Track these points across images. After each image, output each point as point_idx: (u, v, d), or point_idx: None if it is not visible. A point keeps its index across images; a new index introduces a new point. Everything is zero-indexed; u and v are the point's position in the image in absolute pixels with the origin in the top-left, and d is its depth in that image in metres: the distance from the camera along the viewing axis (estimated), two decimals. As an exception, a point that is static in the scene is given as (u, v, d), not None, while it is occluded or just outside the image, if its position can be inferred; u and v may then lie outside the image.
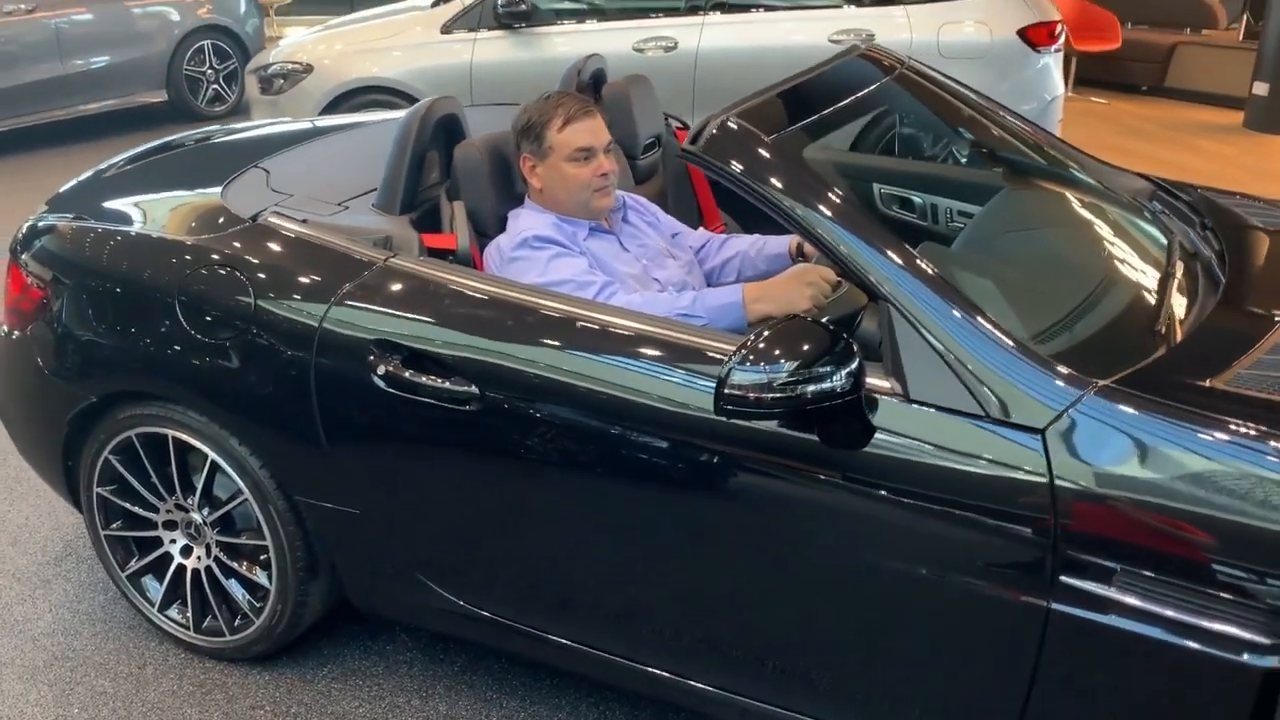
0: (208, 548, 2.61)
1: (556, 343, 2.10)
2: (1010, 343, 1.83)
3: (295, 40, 6.39)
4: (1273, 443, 1.69)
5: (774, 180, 1.97)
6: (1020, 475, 1.76)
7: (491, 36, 5.76)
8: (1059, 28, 5.59)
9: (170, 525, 2.65)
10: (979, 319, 1.85)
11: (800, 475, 1.92)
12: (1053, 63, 5.59)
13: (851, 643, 1.99)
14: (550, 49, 5.69)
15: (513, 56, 5.73)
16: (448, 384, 2.14)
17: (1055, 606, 1.75)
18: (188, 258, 2.42)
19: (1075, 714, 1.82)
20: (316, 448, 2.30)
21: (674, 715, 2.48)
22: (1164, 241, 2.43)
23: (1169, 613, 1.68)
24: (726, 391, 1.76)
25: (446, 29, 5.82)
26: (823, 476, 1.89)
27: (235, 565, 2.59)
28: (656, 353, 2.03)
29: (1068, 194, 2.69)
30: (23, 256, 2.72)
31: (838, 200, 1.98)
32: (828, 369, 1.75)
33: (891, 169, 3.30)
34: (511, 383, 2.10)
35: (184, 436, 2.48)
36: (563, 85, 3.04)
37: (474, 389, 2.12)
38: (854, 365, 1.77)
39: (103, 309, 2.52)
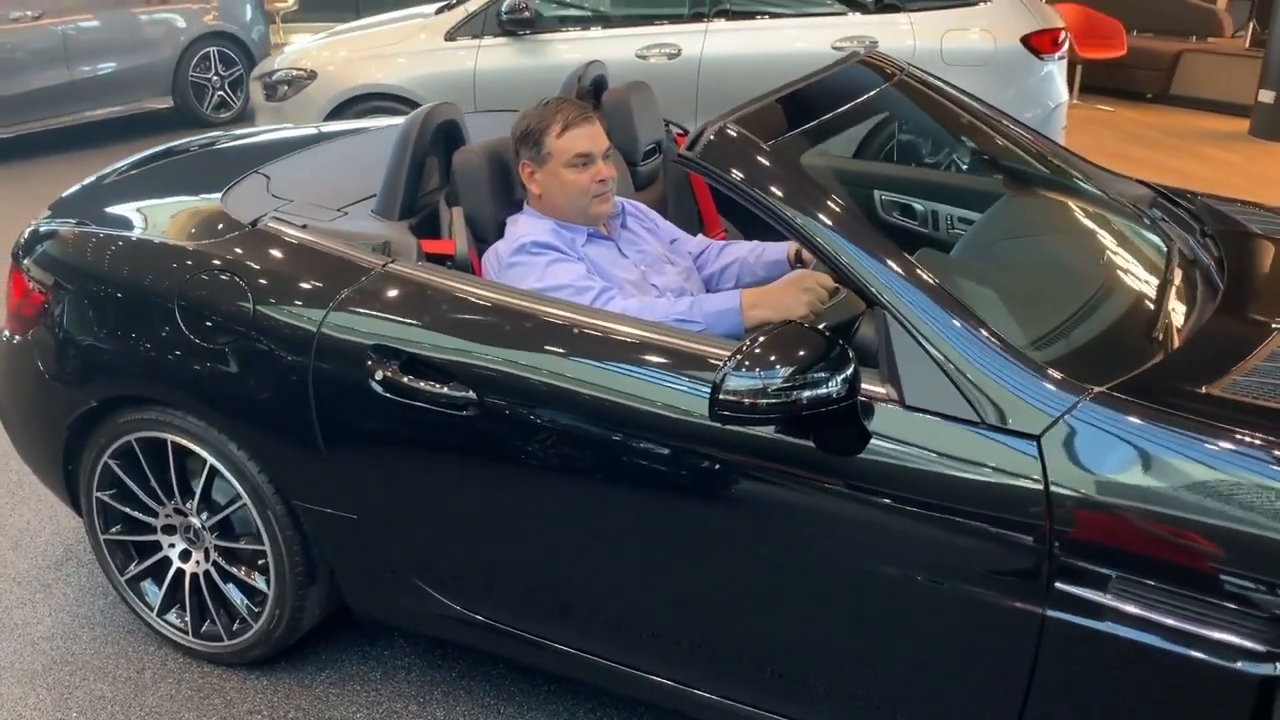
0: (206, 552, 2.62)
1: (554, 348, 2.10)
2: (1006, 349, 1.83)
3: (300, 47, 6.41)
4: (1269, 450, 1.69)
5: (769, 186, 1.97)
6: (1016, 482, 1.75)
7: (495, 43, 5.78)
8: (1062, 35, 5.60)
9: (169, 530, 2.66)
10: (975, 325, 1.85)
11: (796, 481, 1.92)
12: (1056, 70, 5.59)
13: (848, 649, 1.99)
14: (554, 56, 5.71)
15: (516, 63, 5.74)
16: (445, 389, 2.14)
17: (1050, 613, 1.75)
18: (188, 263, 2.43)
19: (1071, 721, 1.82)
20: (314, 453, 2.30)
21: (671, 722, 2.48)
22: (1163, 248, 2.43)
23: (1165, 620, 1.68)
24: (721, 397, 1.77)
25: (450, 36, 5.84)
26: (819, 483, 1.89)
27: (234, 570, 2.59)
28: (654, 358, 2.03)
29: (1067, 201, 2.69)
30: (24, 261, 2.73)
31: (833, 206, 1.98)
32: (823, 375, 1.75)
33: (892, 175, 3.30)
34: (509, 388, 2.10)
35: (183, 441, 2.48)
36: (563, 91, 3.04)
37: (471, 394, 2.12)
38: (849, 371, 1.77)
39: (103, 314, 2.53)
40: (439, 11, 6.13)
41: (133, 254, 2.55)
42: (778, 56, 5.52)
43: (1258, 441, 1.71)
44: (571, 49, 5.72)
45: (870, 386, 1.86)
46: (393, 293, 2.25)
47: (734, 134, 2.03)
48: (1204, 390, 1.87)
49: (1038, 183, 2.77)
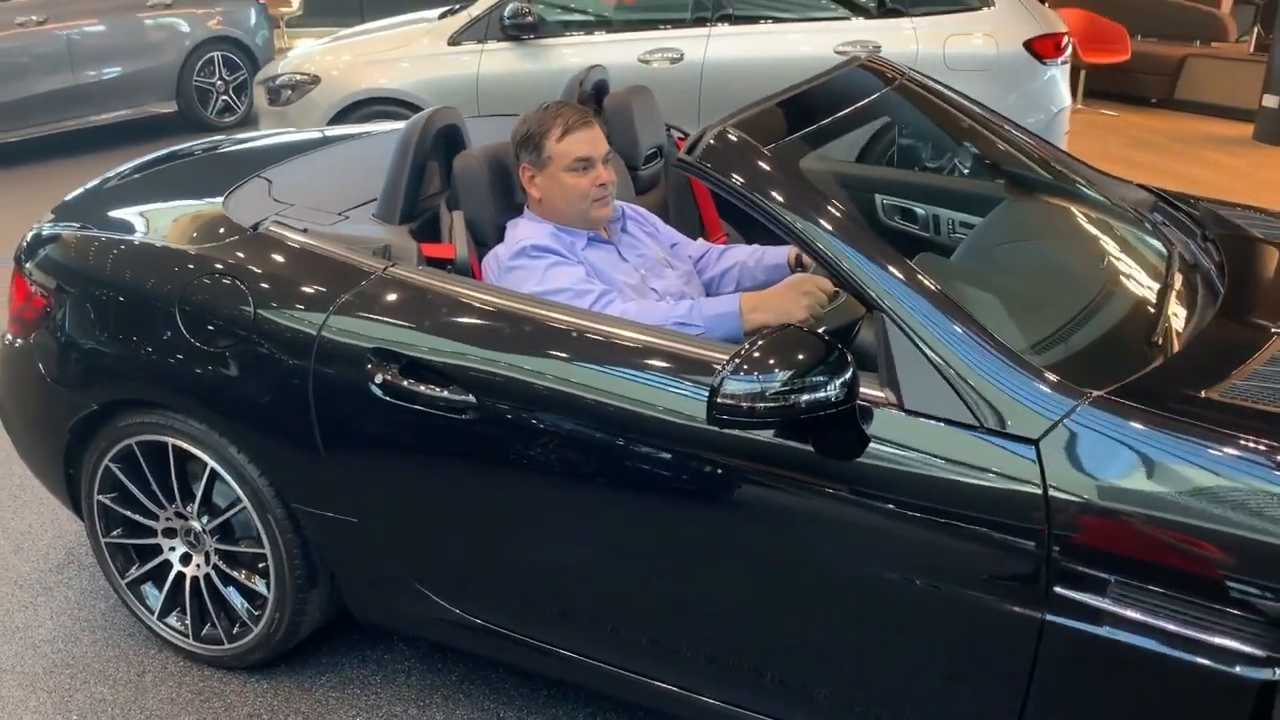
0: (207, 555, 2.62)
1: (553, 352, 2.10)
2: (1005, 354, 1.83)
3: (303, 51, 6.42)
4: (1268, 455, 1.69)
5: (768, 190, 1.97)
6: (1015, 486, 1.75)
7: (498, 48, 5.79)
8: (1065, 40, 5.59)
9: (170, 533, 2.66)
10: (974, 330, 1.85)
11: (795, 485, 1.91)
12: (1059, 75, 5.58)
13: (848, 653, 1.99)
14: (557, 60, 5.72)
15: (519, 68, 5.75)
16: (445, 393, 2.14)
17: (1049, 618, 1.74)
18: (189, 267, 2.44)
19: (1070, 725, 1.82)
20: (315, 456, 2.31)
21: (671, 726, 2.48)
22: (1164, 253, 2.43)
23: (1164, 625, 1.67)
24: (719, 400, 1.77)
25: (454, 40, 5.85)
26: (818, 487, 1.89)
27: (234, 573, 2.60)
28: (653, 362, 2.03)
29: (1068, 205, 2.69)
30: (27, 265, 2.74)
31: (832, 210, 1.98)
32: (822, 378, 1.75)
33: (893, 180, 3.30)
34: (508, 391, 2.11)
35: (184, 444, 2.49)
36: (565, 96, 3.05)
37: (471, 398, 2.12)
38: (848, 375, 1.77)
39: (105, 317, 2.53)
40: (442, 16, 6.15)
41: (134, 258, 2.56)
42: (780, 61, 5.52)
43: (1256, 446, 1.70)
44: (574, 54, 5.73)
45: (869, 390, 1.86)
46: (393, 296, 2.25)
47: (733, 138, 2.03)
48: (1203, 395, 1.86)
49: (1038, 187, 2.77)
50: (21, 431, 2.86)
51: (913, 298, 1.87)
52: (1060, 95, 5.62)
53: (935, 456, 1.81)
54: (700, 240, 2.92)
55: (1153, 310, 2.19)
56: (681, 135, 3.39)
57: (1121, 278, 2.33)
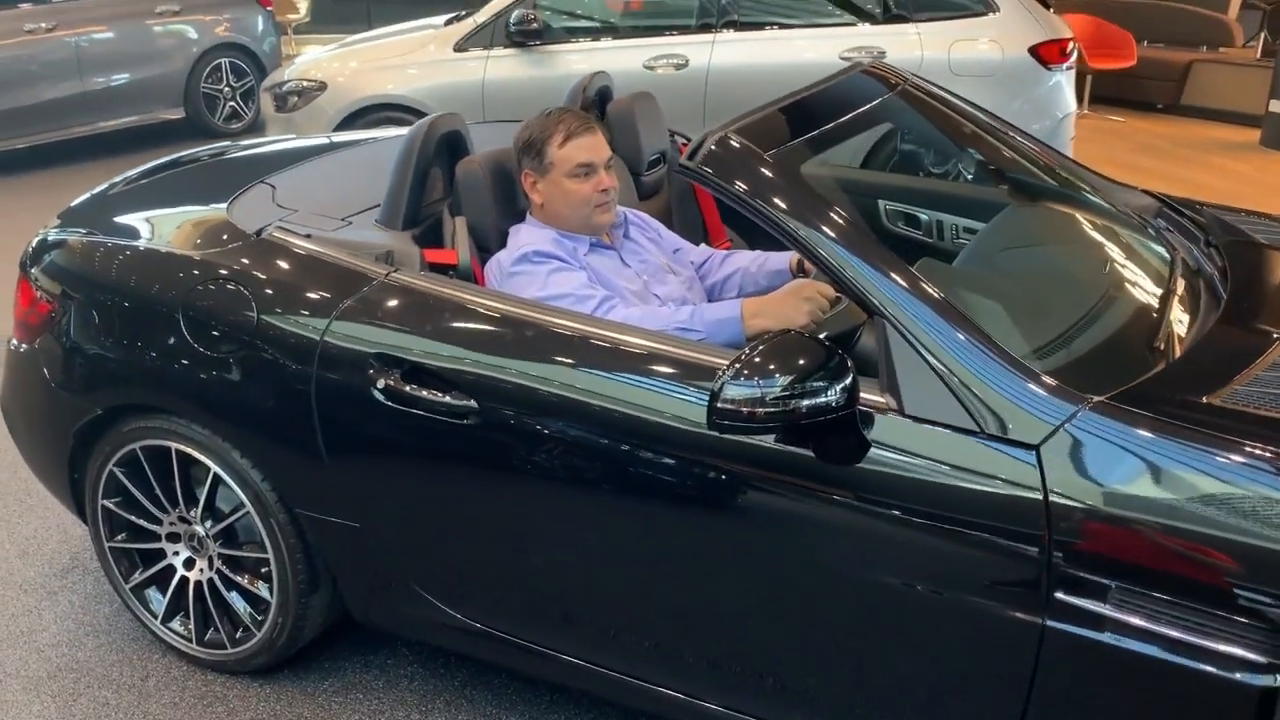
0: (210, 560, 2.62)
1: (555, 357, 2.10)
2: (1006, 359, 1.83)
3: (310, 58, 6.44)
4: (1269, 460, 1.68)
5: (769, 195, 1.97)
6: (1015, 491, 1.75)
7: (504, 54, 5.80)
8: (1070, 45, 5.59)
9: (173, 538, 2.67)
10: (976, 336, 1.85)
11: (796, 490, 1.91)
12: (1064, 80, 5.58)
13: (850, 658, 1.98)
14: (562, 67, 5.72)
15: (525, 74, 5.76)
16: (447, 398, 2.15)
17: (1050, 623, 1.74)
18: (194, 272, 2.45)
19: (1072, 731, 1.81)
20: (317, 461, 2.31)
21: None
22: (1166, 258, 2.42)
23: (1165, 630, 1.67)
24: (719, 406, 1.77)
25: (460, 47, 5.86)
26: (819, 492, 1.89)
27: (237, 578, 2.60)
28: (655, 368, 2.03)
29: (1071, 211, 2.69)
30: (32, 270, 2.75)
31: (833, 215, 1.98)
32: (822, 384, 1.75)
33: (896, 185, 3.30)
34: (510, 397, 2.11)
35: (187, 449, 2.50)
36: (568, 102, 3.05)
37: (473, 403, 2.12)
38: (848, 380, 1.77)
39: (109, 323, 2.54)
40: (448, 23, 6.16)
41: (139, 263, 2.57)
42: (785, 67, 5.52)
43: (1258, 451, 1.70)
44: (580, 60, 5.73)
45: (870, 395, 1.86)
46: (395, 302, 2.26)
47: (735, 143, 2.03)
48: (1205, 400, 1.86)
49: (1042, 192, 2.76)
50: (26, 436, 2.87)
51: (914, 304, 1.87)
52: (1065, 101, 5.61)
53: (936, 462, 1.81)
54: (703, 246, 2.93)
55: (1155, 316, 2.19)
56: (685, 141, 3.40)
57: (1124, 283, 2.33)
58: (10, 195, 7.27)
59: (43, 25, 7.64)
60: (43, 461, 2.84)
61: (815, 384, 1.75)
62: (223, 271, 2.41)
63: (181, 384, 2.42)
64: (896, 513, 1.83)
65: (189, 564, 2.68)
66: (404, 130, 2.83)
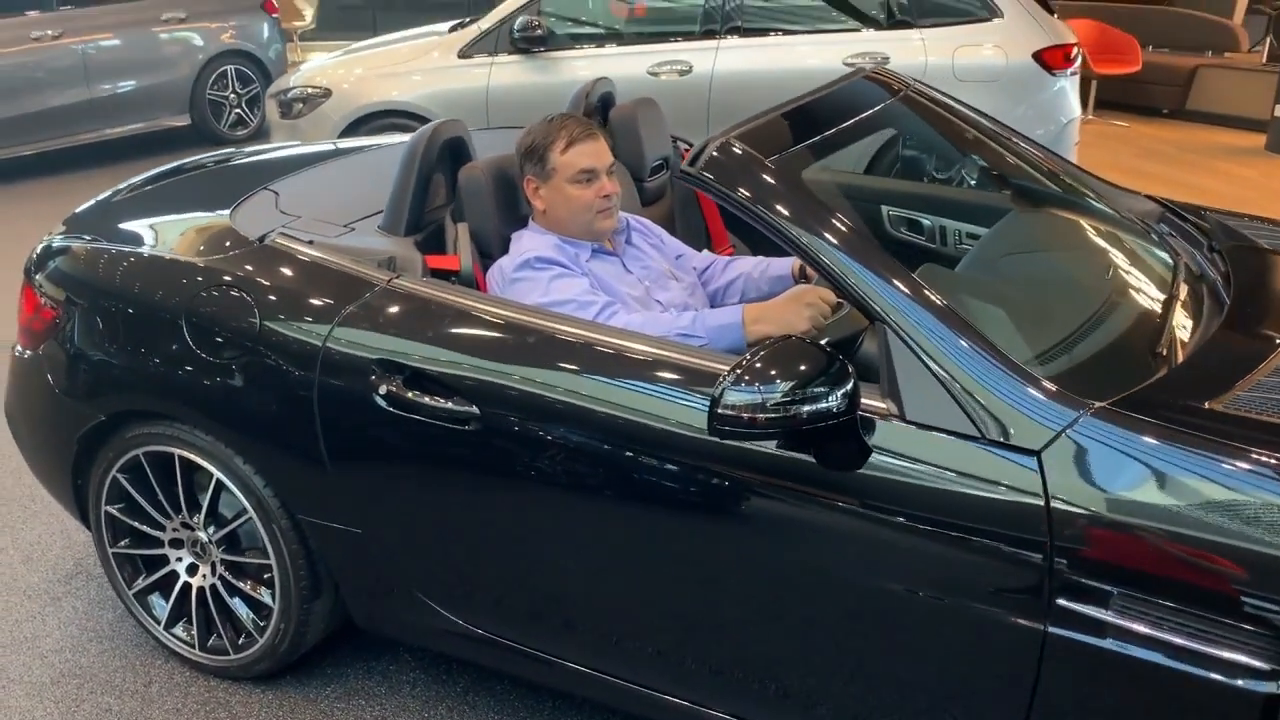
0: (213, 566, 2.63)
1: (557, 363, 2.10)
2: (1008, 365, 1.82)
3: (315, 64, 6.46)
4: (1273, 466, 1.68)
5: (771, 201, 1.97)
6: (1017, 497, 1.75)
7: (508, 61, 5.81)
8: (1075, 50, 5.59)
9: (176, 543, 2.67)
10: (978, 342, 1.84)
11: (799, 496, 1.91)
12: (1069, 85, 5.58)
13: (851, 664, 1.98)
14: (567, 73, 5.73)
15: (529, 81, 5.77)
16: (449, 404, 2.15)
17: (1052, 630, 1.74)
18: (197, 279, 2.45)
19: (1074, 739, 1.81)
20: (319, 467, 2.32)
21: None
22: (1169, 263, 2.42)
23: (1167, 637, 1.67)
24: (720, 411, 1.77)
25: (464, 54, 5.88)
26: (821, 498, 1.89)
27: (240, 584, 2.60)
28: (657, 374, 2.03)
29: (1074, 216, 2.68)
30: (36, 277, 2.76)
31: (835, 221, 1.98)
32: (823, 389, 1.75)
33: (899, 191, 3.30)
34: (512, 402, 2.11)
35: (190, 455, 2.50)
36: (571, 108, 3.06)
37: (474, 409, 2.13)
38: (849, 386, 1.76)
39: (113, 329, 2.55)
40: (453, 29, 6.18)
41: (143, 270, 2.58)
42: (789, 73, 5.53)
43: (1260, 457, 1.69)
44: (584, 66, 5.74)
45: (871, 401, 1.85)
46: (397, 308, 2.26)
47: (736, 149, 2.03)
48: (1207, 406, 1.85)
49: (1044, 198, 2.76)
50: (30, 442, 2.88)
51: (916, 310, 1.86)
52: (1070, 106, 5.61)
53: (937, 467, 1.80)
54: (705, 251, 2.93)
55: (1158, 321, 2.19)
56: (688, 147, 3.40)
57: (1127, 289, 2.33)
58: (16, 202, 7.30)
59: (49, 33, 7.67)
60: (47, 467, 2.85)
61: (816, 390, 1.75)
62: (226, 278, 2.42)
63: (184, 390, 2.42)
64: (898, 519, 1.83)
65: (192, 570, 2.68)
66: (405, 136, 2.84)
